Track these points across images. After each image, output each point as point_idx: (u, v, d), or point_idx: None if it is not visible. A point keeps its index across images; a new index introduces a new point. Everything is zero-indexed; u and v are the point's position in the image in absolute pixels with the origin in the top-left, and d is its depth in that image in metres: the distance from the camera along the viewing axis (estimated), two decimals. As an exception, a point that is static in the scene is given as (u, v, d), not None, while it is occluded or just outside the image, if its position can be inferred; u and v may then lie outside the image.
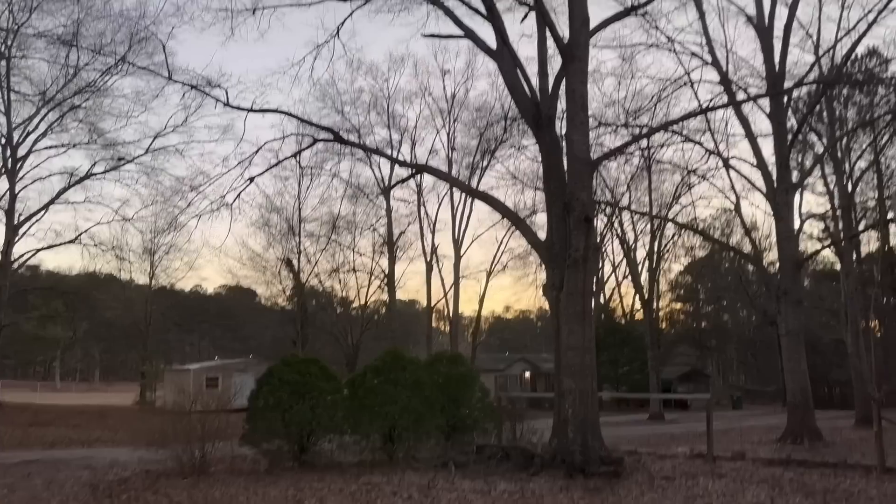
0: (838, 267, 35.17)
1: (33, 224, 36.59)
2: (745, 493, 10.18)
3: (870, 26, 21.60)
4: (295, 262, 42.12)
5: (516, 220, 17.99)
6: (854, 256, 34.84)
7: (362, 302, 46.45)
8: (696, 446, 16.28)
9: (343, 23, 17.00)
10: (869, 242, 46.03)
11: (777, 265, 25.69)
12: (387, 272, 43.12)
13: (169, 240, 46.59)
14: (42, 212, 36.55)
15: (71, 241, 37.53)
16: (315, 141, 18.53)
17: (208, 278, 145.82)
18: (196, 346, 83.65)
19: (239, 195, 16.68)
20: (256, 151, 16.89)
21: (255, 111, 16.10)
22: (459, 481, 11.28)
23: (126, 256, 43.76)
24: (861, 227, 34.85)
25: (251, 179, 16.56)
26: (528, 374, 52.89)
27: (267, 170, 19.30)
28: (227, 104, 16.10)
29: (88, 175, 37.08)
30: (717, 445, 15.17)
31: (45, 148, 36.83)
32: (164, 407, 29.07)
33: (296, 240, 42.08)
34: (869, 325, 36.82)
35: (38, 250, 38.07)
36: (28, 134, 35.76)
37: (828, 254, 42.41)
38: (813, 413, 20.44)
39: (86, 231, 37.76)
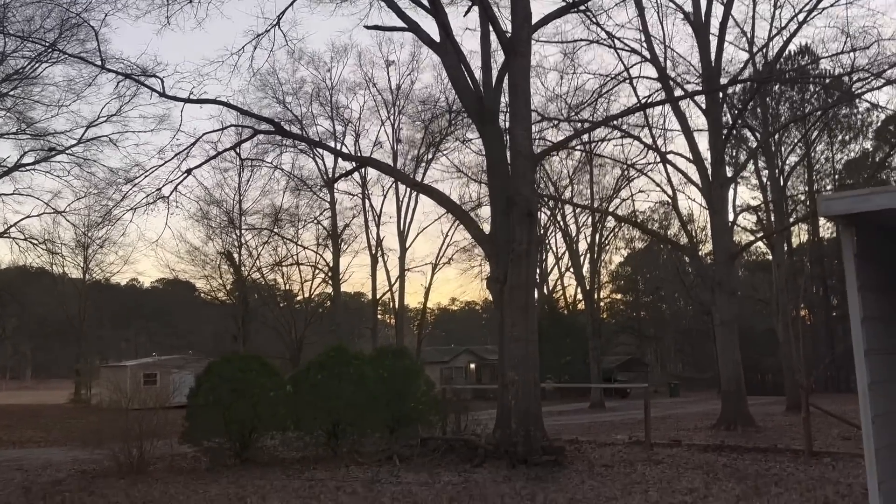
0: (771, 258, 36.45)
1: (-42, 217, 34.93)
2: (680, 478, 10.51)
3: (800, 26, 22.46)
4: (235, 255, 41.36)
5: (460, 214, 18.07)
6: (785, 248, 36.18)
7: (306, 296, 45.98)
8: (635, 434, 16.71)
9: (284, 12, 16.78)
10: (800, 234, 48.01)
11: (712, 257, 26.48)
12: (331, 265, 42.73)
13: (103, 233, 45.08)
14: (-33, 204, 34.96)
15: (-1, 235, 36.01)
16: (255, 132, 18.24)
17: (145, 272, 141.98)
18: (132, 342, 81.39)
19: (176, 188, 16.36)
20: (194, 143, 16.58)
21: (193, 101, 15.75)
22: (404, 474, 11.32)
23: (58, 250, 42.11)
24: (792, 219, 36.22)
25: (189, 171, 16.24)
26: (473, 365, 53.27)
27: (205, 162, 18.88)
28: (162, 94, 15.72)
29: (17, 166, 35.53)
30: (654, 433, 15.61)
31: (-30, 138, 35.18)
32: (101, 405, 28.21)
33: (236, 233, 41.32)
34: (799, 315, 38.31)
35: (-36, 244, 36.44)
36: (-49, 123, 34.07)
37: (761, 245, 43.90)
38: (746, 400, 21.18)
39: (15, 224, 36.27)
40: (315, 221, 43.22)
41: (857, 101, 29.23)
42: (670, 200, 28.63)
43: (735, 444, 15.12)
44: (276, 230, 41.91)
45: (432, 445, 13.63)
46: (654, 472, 11.17)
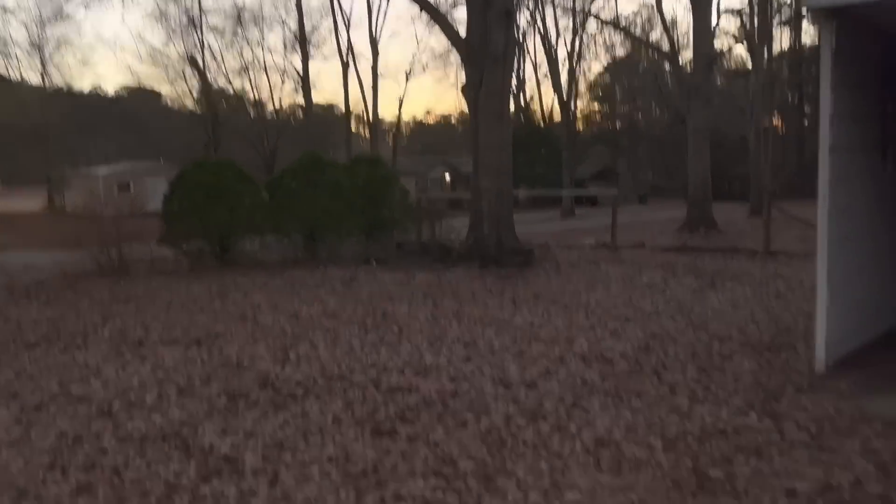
0: (750, 66, 35.82)
1: None
2: (641, 275, 11.08)
3: None
4: (199, 59, 39.71)
5: (435, 15, 17.24)
6: (766, 55, 35.47)
7: (277, 105, 44.92)
8: (602, 238, 17.32)
9: None
10: (781, 42, 46.91)
11: (692, 65, 25.97)
12: (301, 73, 41.35)
13: (58, 33, 42.80)
14: None
15: (-55, 36, 33.95)
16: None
17: (106, 76, 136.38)
18: (101, 150, 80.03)
19: (131, -18, 15.25)
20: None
21: None
22: (380, 274, 11.79)
23: (11, 53, 40.11)
24: (776, 22, 35.21)
25: (143, -36, 15.05)
26: (448, 176, 53.65)
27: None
28: None
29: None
30: (620, 237, 16.20)
31: None
32: (76, 212, 28.33)
33: (198, 34, 39.38)
34: (771, 122, 38.40)
35: None
36: None
37: (742, 53, 43.02)
38: (711, 205, 21.85)
39: (-40, 24, 34.21)
40: (281, 22, 41.24)
41: None
42: (654, 1, 27.51)
43: (696, 245, 15.81)
44: (239, 32, 40.01)
45: (408, 249, 14.10)
46: (617, 270, 11.75)
